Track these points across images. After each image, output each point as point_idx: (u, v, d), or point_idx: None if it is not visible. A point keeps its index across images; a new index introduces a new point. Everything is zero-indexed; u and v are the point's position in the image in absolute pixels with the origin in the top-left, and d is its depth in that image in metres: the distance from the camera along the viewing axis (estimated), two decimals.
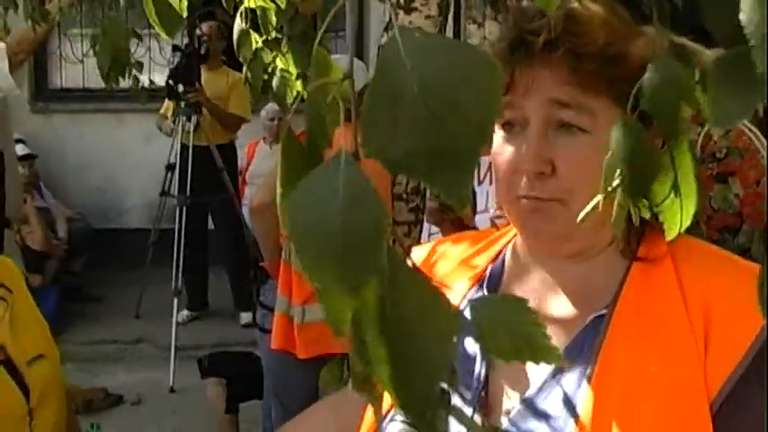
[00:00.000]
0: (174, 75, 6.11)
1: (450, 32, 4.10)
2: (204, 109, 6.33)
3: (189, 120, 6.21)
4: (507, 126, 1.14)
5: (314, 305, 3.41)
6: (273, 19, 2.03)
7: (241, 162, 7.02)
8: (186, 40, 6.69)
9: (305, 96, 2.35)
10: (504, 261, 1.27)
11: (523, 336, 0.57)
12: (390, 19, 3.64)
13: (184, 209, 6.22)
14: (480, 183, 6.42)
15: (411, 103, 0.44)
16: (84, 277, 7.32)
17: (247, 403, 4.68)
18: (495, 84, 0.44)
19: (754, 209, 2.53)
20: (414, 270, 0.44)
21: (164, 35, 1.91)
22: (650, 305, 1.09)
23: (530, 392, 1.11)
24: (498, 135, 1.16)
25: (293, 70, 2.20)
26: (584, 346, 1.10)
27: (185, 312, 6.75)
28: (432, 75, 0.44)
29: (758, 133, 2.53)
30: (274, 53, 2.16)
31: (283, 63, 2.18)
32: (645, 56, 1.07)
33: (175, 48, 6.22)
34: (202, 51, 6.42)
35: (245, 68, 2.26)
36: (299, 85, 2.24)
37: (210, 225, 6.88)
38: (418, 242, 3.89)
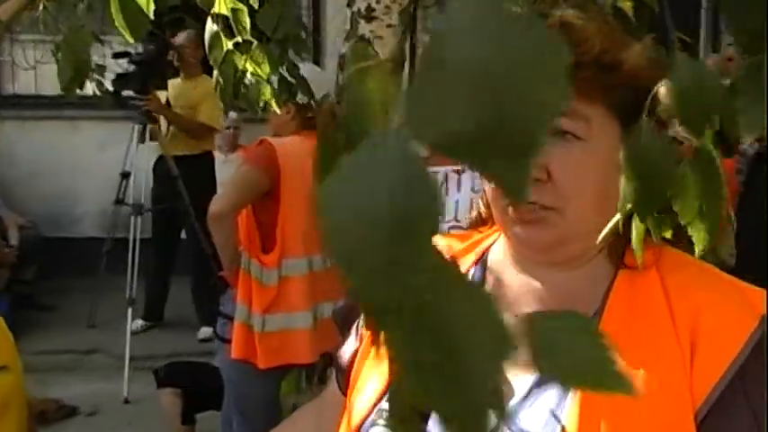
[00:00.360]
0: (120, 82, 6.00)
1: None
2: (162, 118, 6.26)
3: (144, 128, 6.13)
4: None
5: (274, 314, 3.39)
6: (246, 20, 2.01)
7: None
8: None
9: (274, 101, 2.36)
10: (485, 264, 1.26)
11: (587, 359, 0.53)
12: (351, 27, 3.62)
13: (139, 218, 6.14)
14: (446, 193, 6.45)
15: (465, 79, 0.39)
16: (37, 286, 7.18)
17: (204, 414, 4.63)
18: (562, 65, 0.39)
19: None
20: (462, 274, 0.39)
21: (129, 38, 1.88)
22: (636, 315, 1.09)
23: (513, 402, 1.10)
24: None
25: (263, 73, 2.17)
26: None
27: (140, 322, 6.66)
28: (492, 50, 0.39)
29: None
30: (245, 56, 2.13)
31: (253, 66, 2.16)
32: (639, 64, 1.08)
33: (117, 55, 6.12)
34: (175, 60, 6.36)
35: (215, 72, 2.23)
36: (268, 89, 2.22)
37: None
38: None
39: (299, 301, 3.44)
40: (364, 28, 3.59)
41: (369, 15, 3.58)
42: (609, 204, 1.11)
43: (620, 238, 1.14)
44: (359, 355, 1.27)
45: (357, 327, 1.34)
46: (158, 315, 6.89)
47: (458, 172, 7.71)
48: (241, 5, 1.99)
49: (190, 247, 6.65)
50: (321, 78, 3.74)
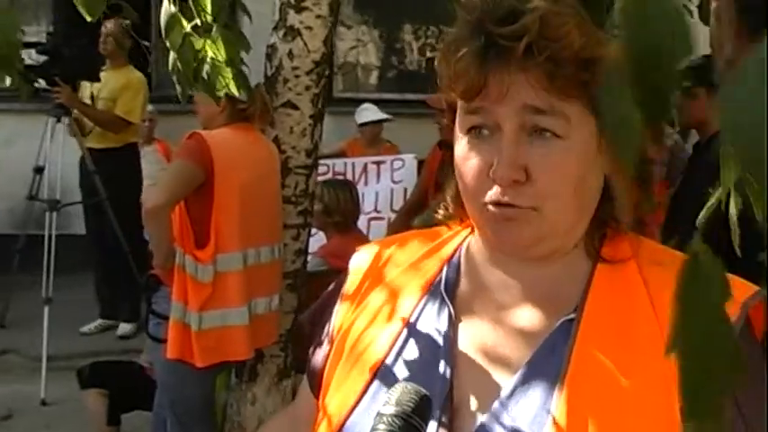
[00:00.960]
0: (32, 72, 5.81)
1: None
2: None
3: (59, 121, 5.96)
4: (474, 131, 1.10)
5: (211, 311, 3.32)
6: (207, 2, 1.93)
7: None
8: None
9: (235, 86, 2.28)
10: (459, 263, 1.24)
11: None
12: (280, 17, 3.56)
13: (55, 214, 5.97)
14: (366, 184, 6.45)
15: None
16: None
17: (130, 413, 4.54)
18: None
19: None
20: None
21: (87, 17, 1.79)
22: (618, 308, 1.08)
23: (500, 399, 1.08)
24: (463, 140, 1.12)
25: (222, 57, 2.10)
26: (555, 351, 1.08)
27: (98, 321, 6.66)
28: None
29: None
30: (204, 39, 2.05)
31: (213, 50, 2.08)
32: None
33: (27, 45, 5.94)
34: (101, 49, 6.19)
35: (172, 55, 2.14)
36: (230, 74, 2.14)
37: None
38: (306, 246, 3.85)
39: (235, 297, 3.38)
40: (294, 18, 3.54)
41: (298, 5, 3.53)
42: (586, 199, 1.11)
43: (595, 231, 1.14)
44: (330, 357, 1.25)
45: (329, 330, 1.30)
46: (115, 313, 6.77)
47: (377, 164, 7.73)
48: None
49: (101, 242, 6.52)
50: (248, 69, 3.67)
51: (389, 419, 1.02)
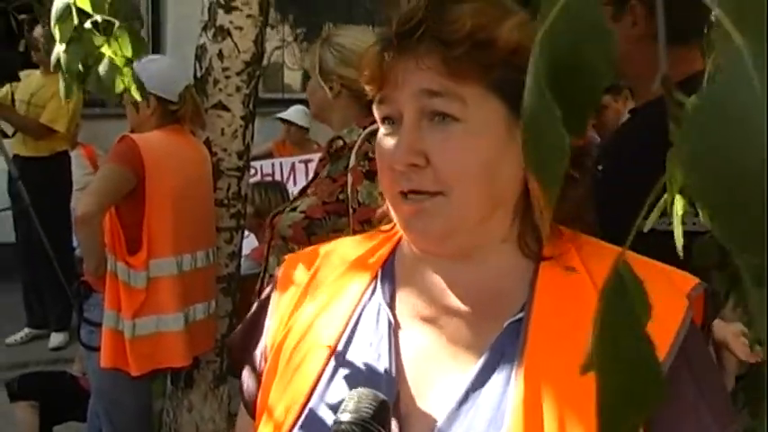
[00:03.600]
0: None
1: None
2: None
3: None
4: (387, 121, 1.12)
5: (144, 318, 3.27)
6: None
7: None
8: None
9: (135, 90, 2.19)
10: (393, 268, 1.23)
11: None
12: (210, 17, 3.51)
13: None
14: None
15: None
16: None
17: (62, 425, 4.44)
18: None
19: None
20: None
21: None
22: (567, 305, 1.08)
23: (452, 405, 1.06)
24: (380, 132, 1.14)
25: (121, 58, 2.02)
26: (504, 354, 1.07)
27: (25, 330, 6.52)
28: None
29: None
30: (102, 38, 1.97)
31: (112, 49, 1.99)
32: (515, 40, 1.06)
33: None
34: (33, 54, 6.03)
35: (58, 48, 2.04)
36: (129, 76, 2.06)
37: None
38: (239, 249, 3.80)
39: (170, 303, 3.32)
40: (223, 18, 3.50)
41: (228, 5, 3.48)
42: (499, 188, 1.10)
43: (528, 230, 1.14)
44: (265, 375, 1.22)
45: (261, 350, 1.28)
46: (43, 322, 6.61)
47: (305, 162, 7.67)
48: None
49: (28, 250, 6.38)
50: (178, 71, 3.62)
51: (348, 427, 1.00)
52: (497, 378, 1.06)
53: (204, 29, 3.55)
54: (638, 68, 1.87)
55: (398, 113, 1.09)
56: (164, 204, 3.33)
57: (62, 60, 2.06)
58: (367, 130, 2.87)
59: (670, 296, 1.04)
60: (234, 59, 3.50)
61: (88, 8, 1.92)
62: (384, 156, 1.11)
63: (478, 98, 1.06)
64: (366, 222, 2.77)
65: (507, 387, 1.04)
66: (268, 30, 3.84)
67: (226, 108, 3.53)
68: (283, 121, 7.11)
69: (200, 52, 3.56)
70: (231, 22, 3.49)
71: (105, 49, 2.06)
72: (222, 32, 3.49)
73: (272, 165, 6.61)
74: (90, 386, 3.83)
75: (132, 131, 3.55)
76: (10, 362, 5.99)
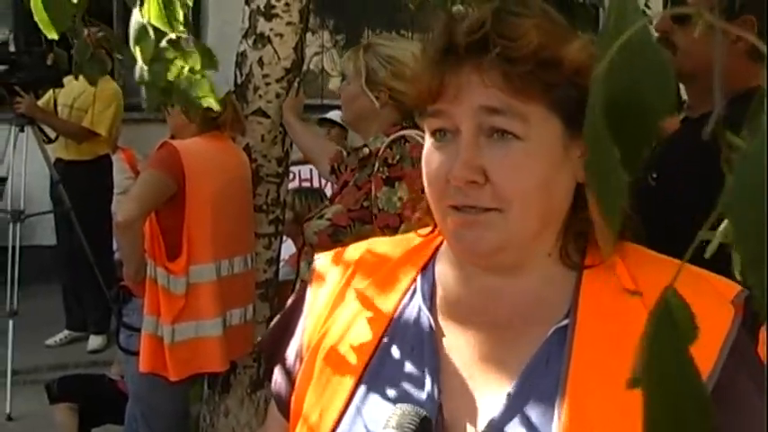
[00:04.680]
0: None
1: None
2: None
3: (22, 130, 5.87)
4: (438, 134, 1.10)
5: (184, 323, 3.28)
6: (180, 14, 1.90)
7: None
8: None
9: (213, 98, 2.24)
10: (434, 271, 1.22)
11: None
12: (250, 25, 3.53)
13: (19, 225, 5.88)
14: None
15: None
16: None
17: (100, 428, 4.50)
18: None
19: (413, 211, 2.76)
20: None
21: (50, 35, 1.75)
22: (612, 313, 1.07)
23: (497, 414, 1.06)
24: (428, 144, 1.12)
25: (198, 70, 2.07)
26: (549, 361, 1.07)
27: (65, 332, 6.58)
28: None
29: None
30: (178, 52, 2.02)
31: (191, 62, 2.05)
32: (580, 60, 1.05)
33: None
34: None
35: (140, 67, 2.10)
36: (207, 86, 2.11)
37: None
38: (278, 255, 3.82)
39: (209, 309, 3.33)
40: (264, 25, 3.51)
41: (268, 13, 3.50)
42: (553, 205, 1.09)
43: (571, 243, 1.13)
44: (299, 376, 1.21)
45: (295, 349, 1.27)
46: (82, 324, 6.67)
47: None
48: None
49: (68, 253, 6.45)
50: (218, 78, 3.63)
51: None
52: (543, 384, 1.05)
53: (245, 36, 3.57)
54: (710, 82, 1.86)
55: (454, 127, 1.08)
56: (203, 210, 3.35)
57: (146, 77, 2.12)
58: (390, 138, 2.89)
59: (714, 302, 1.04)
60: (274, 66, 3.51)
61: (161, 26, 1.96)
62: (435, 168, 1.09)
63: (540, 117, 1.05)
64: (386, 228, 2.83)
65: (555, 393, 1.03)
66: (308, 36, 3.85)
67: (265, 114, 3.55)
68: (323, 122, 7.09)
69: (241, 59, 3.58)
70: (272, 30, 3.51)
71: (179, 63, 2.11)
72: (263, 39, 3.51)
73: (311, 170, 6.62)
74: (128, 390, 3.86)
75: (173, 137, 3.58)
76: (49, 363, 6.06)
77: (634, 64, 0.40)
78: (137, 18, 1.99)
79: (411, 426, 1.01)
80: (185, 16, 2.05)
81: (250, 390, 3.73)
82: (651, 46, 0.39)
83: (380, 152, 2.90)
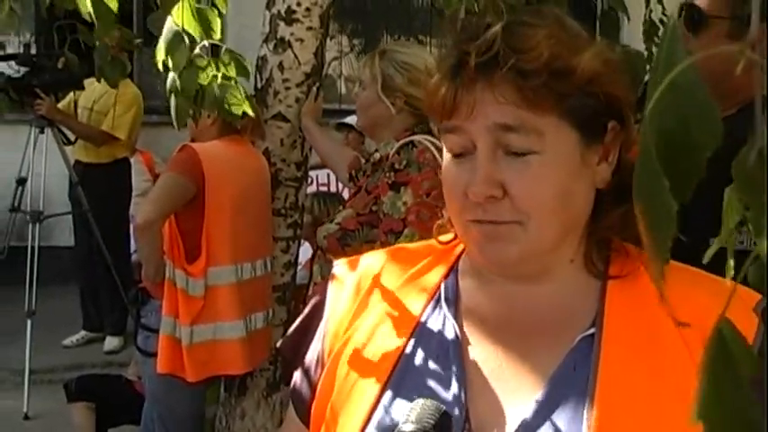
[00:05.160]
0: (12, 85, 5.73)
1: None
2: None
3: (42, 132, 5.91)
4: (456, 149, 1.11)
5: (202, 325, 3.30)
6: (217, 23, 1.92)
7: None
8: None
9: (247, 104, 2.27)
10: (457, 278, 1.22)
11: None
12: (270, 29, 3.55)
13: (38, 226, 5.92)
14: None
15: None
16: None
17: (117, 428, 4.52)
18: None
19: (417, 216, 2.85)
20: None
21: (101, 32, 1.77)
22: (638, 322, 1.07)
23: (525, 420, 1.05)
24: (447, 160, 1.13)
25: (232, 77, 2.10)
26: (576, 368, 1.07)
27: (82, 332, 6.63)
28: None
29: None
30: (211, 60, 2.05)
31: (224, 70, 2.07)
32: (593, 69, 1.05)
33: (8, 57, 5.88)
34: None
35: (172, 75, 2.12)
36: (238, 93, 2.14)
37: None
38: (296, 259, 3.83)
39: (228, 311, 3.36)
40: (284, 30, 3.53)
41: (289, 17, 3.52)
42: (573, 213, 1.09)
43: (594, 250, 1.13)
44: (322, 381, 1.21)
45: (317, 354, 1.27)
46: (98, 325, 6.70)
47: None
48: (208, 7, 1.90)
49: (86, 255, 6.48)
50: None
51: None
52: (571, 392, 1.05)
53: (265, 40, 3.59)
54: (727, 87, 1.86)
55: (470, 143, 1.08)
56: (222, 213, 3.37)
57: (177, 85, 2.14)
58: (399, 143, 2.90)
59: (744, 315, 1.03)
60: (294, 71, 3.53)
61: (195, 33, 1.99)
62: (454, 183, 1.10)
63: (554, 127, 1.05)
64: (390, 232, 2.85)
65: (582, 401, 1.03)
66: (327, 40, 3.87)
67: (285, 119, 3.57)
68: (341, 127, 7.10)
69: (261, 63, 3.60)
70: (292, 34, 3.53)
71: (212, 71, 2.13)
72: (283, 44, 3.53)
73: (328, 174, 6.63)
74: (145, 390, 3.88)
75: (193, 141, 3.60)
76: (65, 363, 6.10)
77: (682, 102, 0.42)
78: (169, 25, 2.01)
79: (431, 420, 1.01)
80: (221, 24, 2.08)
81: (266, 392, 3.75)
82: (698, 86, 0.41)
83: (389, 157, 2.92)
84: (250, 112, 2.26)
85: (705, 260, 0.54)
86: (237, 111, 2.22)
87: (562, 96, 1.04)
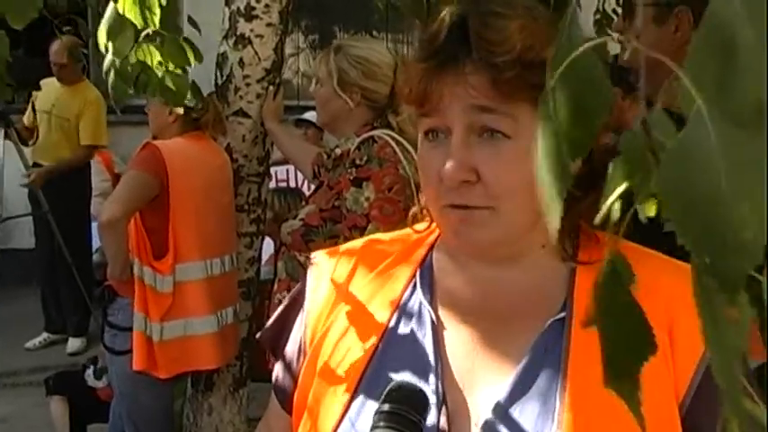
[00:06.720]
0: None
1: None
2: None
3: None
4: (431, 133, 1.12)
5: (172, 321, 3.31)
6: (157, 10, 1.92)
7: None
8: None
9: (192, 94, 2.26)
10: (431, 268, 1.24)
11: None
12: (230, 26, 3.56)
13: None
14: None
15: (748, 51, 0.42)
16: None
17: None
18: None
19: (380, 211, 2.90)
20: None
21: (13, 24, 1.76)
22: None
23: (498, 404, 1.09)
24: (422, 144, 1.14)
25: (174, 65, 2.09)
26: (546, 351, 1.10)
27: (44, 335, 6.58)
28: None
29: (405, 144, 2.91)
30: (151, 46, 2.04)
31: (165, 58, 2.07)
32: None
33: None
34: (56, 64, 6.07)
35: (109, 60, 2.11)
36: (183, 80, 2.13)
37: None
38: (259, 254, 3.85)
39: (198, 307, 3.37)
40: (244, 27, 3.54)
41: (249, 14, 3.53)
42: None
43: (564, 233, 1.16)
44: (302, 372, 1.23)
45: (298, 345, 1.29)
46: (62, 327, 6.66)
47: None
48: None
49: (43, 256, 6.44)
50: (198, 79, 3.66)
51: (387, 416, 1.03)
52: (544, 374, 1.08)
53: (225, 37, 3.60)
54: (668, 75, 1.92)
55: (445, 127, 1.10)
56: (187, 210, 3.38)
57: (117, 65, 2.13)
58: (359, 139, 2.94)
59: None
60: (254, 67, 3.55)
61: (135, 20, 1.99)
62: (430, 169, 1.11)
63: (528, 115, 1.06)
64: (354, 228, 2.88)
65: (554, 382, 1.06)
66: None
67: (246, 115, 3.59)
68: (300, 124, 7.10)
69: (221, 60, 3.61)
70: (252, 31, 3.54)
71: (156, 57, 2.13)
72: (243, 41, 3.54)
73: (287, 171, 6.63)
74: (107, 396, 3.88)
75: (154, 138, 3.60)
76: (28, 366, 6.04)
77: (580, 76, 0.54)
78: (112, 12, 2.00)
79: (408, 401, 1.04)
80: (171, 12, 2.07)
81: (233, 388, 3.76)
82: (594, 64, 0.53)
83: (350, 153, 2.95)
84: (193, 102, 2.24)
85: (596, 222, 0.58)
86: (191, 99, 2.21)
87: (535, 87, 1.02)
